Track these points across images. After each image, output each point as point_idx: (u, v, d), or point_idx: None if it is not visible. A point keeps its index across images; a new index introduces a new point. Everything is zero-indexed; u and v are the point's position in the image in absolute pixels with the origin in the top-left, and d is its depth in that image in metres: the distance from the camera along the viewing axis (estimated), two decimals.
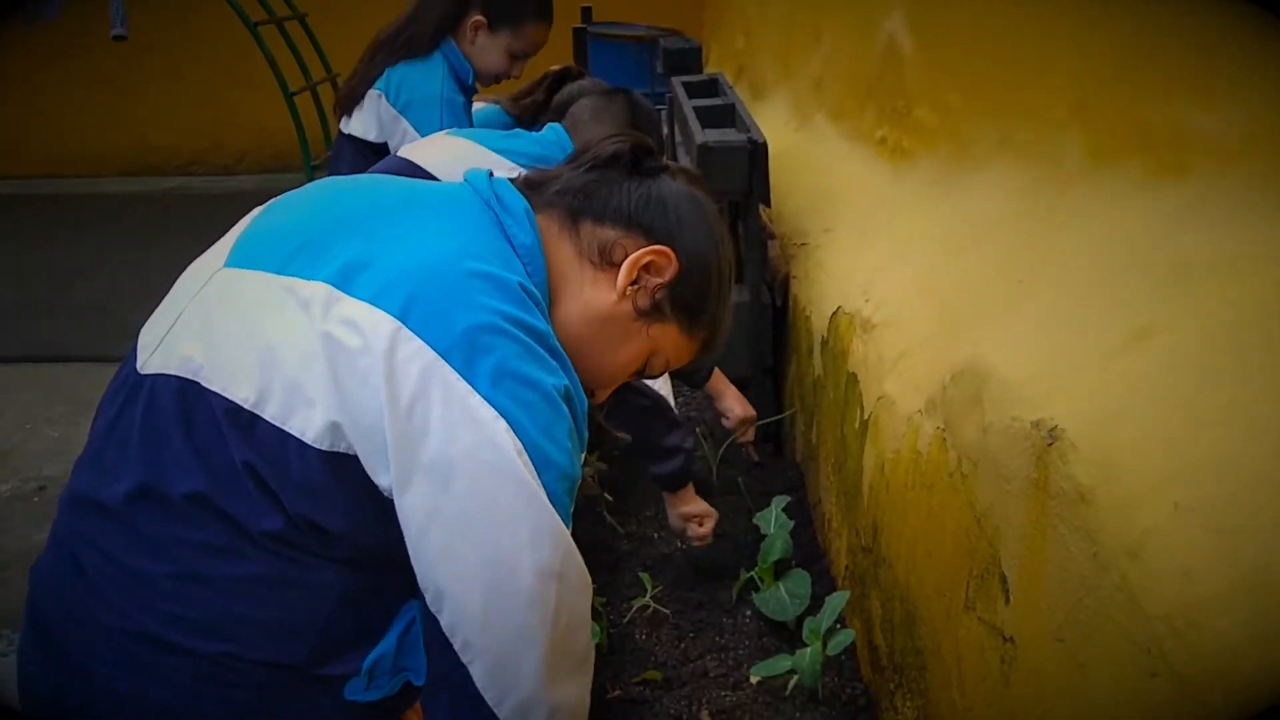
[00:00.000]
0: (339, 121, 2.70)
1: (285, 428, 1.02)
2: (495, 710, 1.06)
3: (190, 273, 1.18)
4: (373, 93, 2.59)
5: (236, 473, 1.03)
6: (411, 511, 1.02)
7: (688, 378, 2.67)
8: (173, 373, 1.07)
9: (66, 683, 1.09)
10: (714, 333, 1.33)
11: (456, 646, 1.05)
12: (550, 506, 1.04)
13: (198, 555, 1.05)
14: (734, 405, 2.64)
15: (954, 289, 1.91)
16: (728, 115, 3.06)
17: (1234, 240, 1.26)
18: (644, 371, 1.32)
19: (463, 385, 1.00)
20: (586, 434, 1.16)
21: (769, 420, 2.87)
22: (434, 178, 2.29)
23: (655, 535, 2.57)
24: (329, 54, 5.34)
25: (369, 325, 1.01)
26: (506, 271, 1.09)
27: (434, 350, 1.01)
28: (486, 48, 2.62)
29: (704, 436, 2.90)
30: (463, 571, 1.03)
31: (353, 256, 1.06)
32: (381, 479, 1.03)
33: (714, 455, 2.79)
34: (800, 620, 2.10)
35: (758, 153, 2.70)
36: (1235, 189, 1.32)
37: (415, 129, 2.56)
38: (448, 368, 1.00)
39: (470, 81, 2.66)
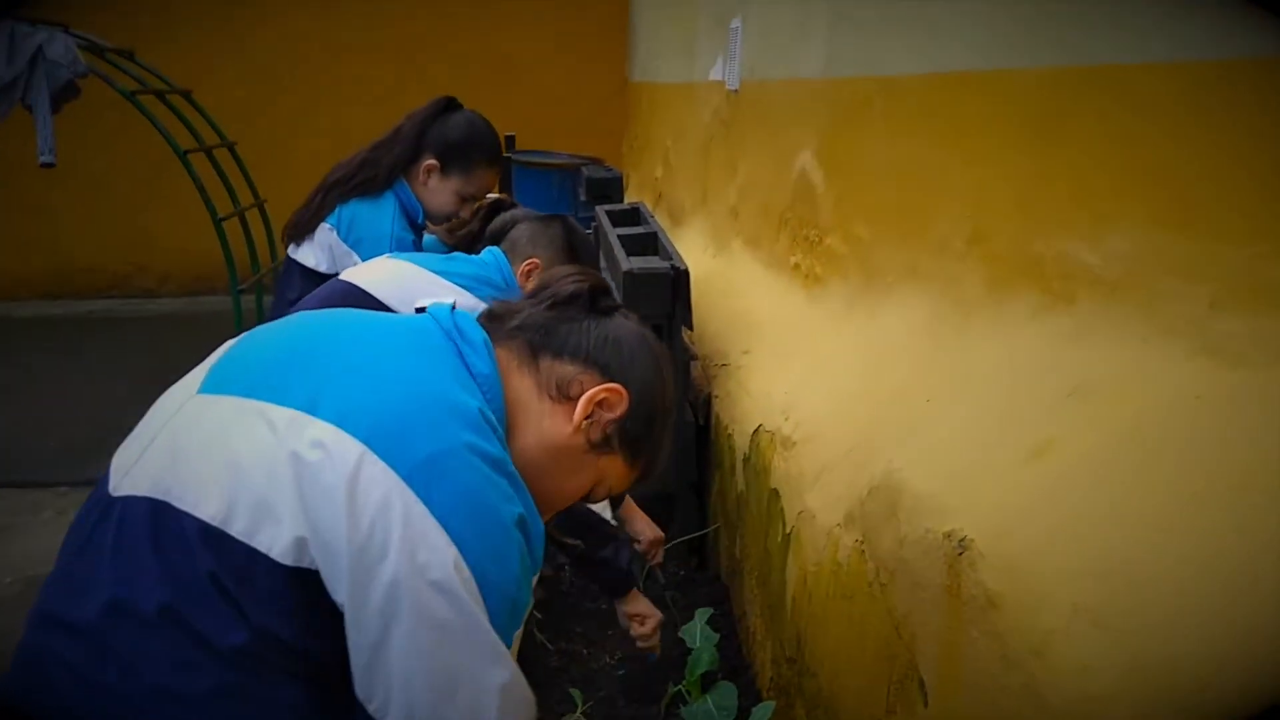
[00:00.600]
0: (286, 248, 2.77)
1: (252, 544, 1.06)
2: None
3: (164, 400, 1.23)
4: (324, 226, 2.67)
5: (202, 585, 1.06)
6: (364, 627, 1.06)
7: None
8: (143, 494, 1.11)
9: None
10: (652, 464, 1.43)
11: None
12: (488, 628, 1.09)
13: (167, 672, 1.07)
14: (644, 529, 2.71)
15: (868, 407, 2.02)
16: (651, 243, 3.20)
17: (1119, 362, 1.39)
18: (588, 498, 1.40)
19: (420, 508, 1.06)
20: (541, 557, 1.22)
21: (694, 535, 2.94)
22: (377, 299, 2.37)
23: (584, 651, 2.60)
24: (256, 180, 5.42)
25: (335, 446, 1.07)
26: (467, 397, 1.16)
27: (396, 474, 1.07)
28: (437, 190, 2.73)
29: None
30: (407, 686, 1.07)
31: (321, 383, 1.13)
32: (339, 595, 1.07)
33: (640, 571, 2.84)
34: None
35: (680, 279, 2.82)
36: (1118, 316, 1.45)
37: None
38: (409, 492, 1.06)
39: (420, 220, 2.77)
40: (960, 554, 1.29)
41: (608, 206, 3.79)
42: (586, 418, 1.29)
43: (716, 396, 2.91)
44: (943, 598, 1.34)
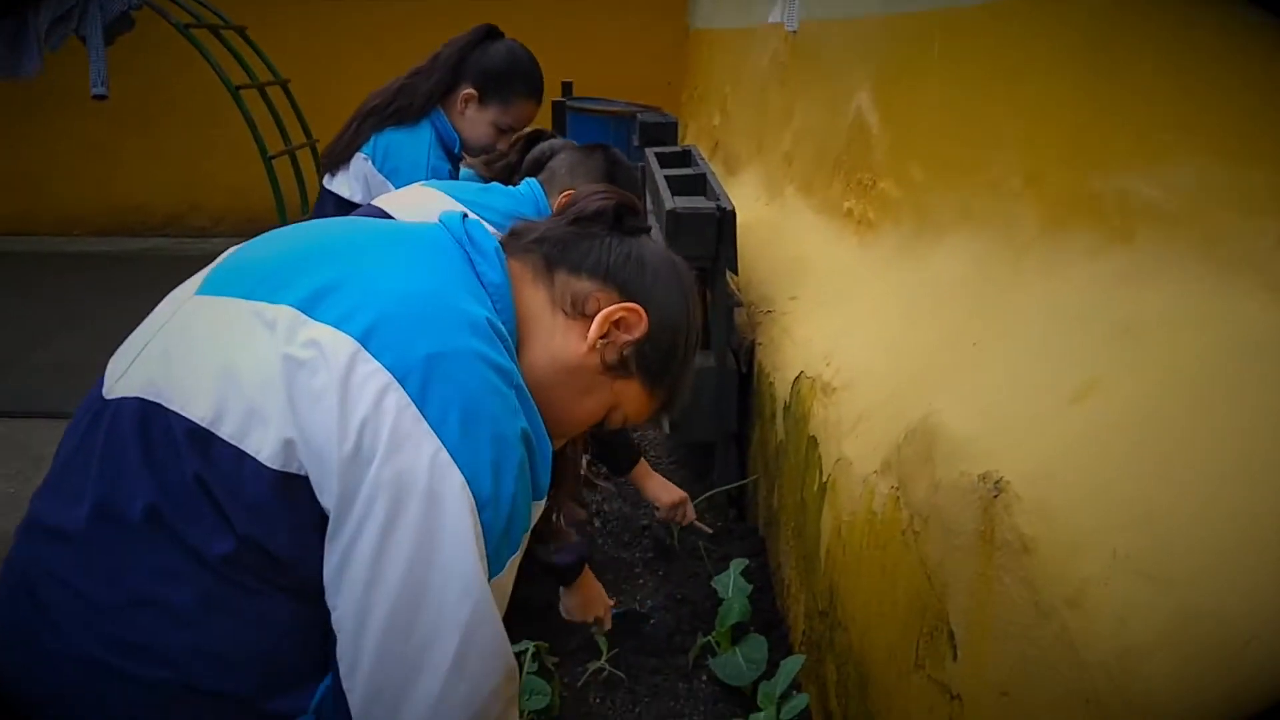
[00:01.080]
0: (321, 179, 2.73)
1: (241, 446, 1.01)
2: None
3: (162, 305, 1.18)
4: (359, 156, 2.61)
5: (189, 489, 1.02)
6: (341, 529, 1.00)
7: (612, 465, 2.67)
8: (134, 394, 1.06)
9: (13, 713, 1.06)
10: (673, 395, 1.34)
11: (343, 672, 1.03)
12: (474, 551, 1.02)
13: (151, 580, 1.03)
14: (659, 493, 2.64)
15: (912, 353, 1.93)
16: (699, 184, 3.10)
17: (1175, 301, 1.29)
18: (603, 424, 1.32)
19: (413, 411, 1.00)
20: (547, 481, 1.15)
21: (732, 485, 2.87)
22: None
23: (614, 598, 2.55)
24: (309, 120, 5.40)
25: (329, 346, 1.01)
26: (475, 306, 1.09)
27: (390, 374, 1.00)
28: (475, 120, 2.66)
29: None
30: (366, 594, 1.00)
31: (321, 284, 1.07)
32: (326, 500, 1.01)
33: (671, 533, 2.79)
34: (756, 686, 2.08)
35: (726, 220, 2.74)
36: (1176, 253, 1.35)
37: None
38: (402, 392, 1.00)
39: (457, 150, 2.70)
40: (995, 497, 1.21)
41: (658, 149, 3.70)
42: (602, 337, 1.21)
43: (760, 344, 2.83)
44: (976, 543, 1.26)
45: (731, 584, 2.34)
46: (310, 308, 1.05)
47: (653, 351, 1.25)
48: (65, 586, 1.05)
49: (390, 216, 2.38)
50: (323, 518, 1.02)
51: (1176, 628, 0.89)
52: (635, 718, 2.12)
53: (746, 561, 2.42)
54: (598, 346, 1.21)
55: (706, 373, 2.83)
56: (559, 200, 2.52)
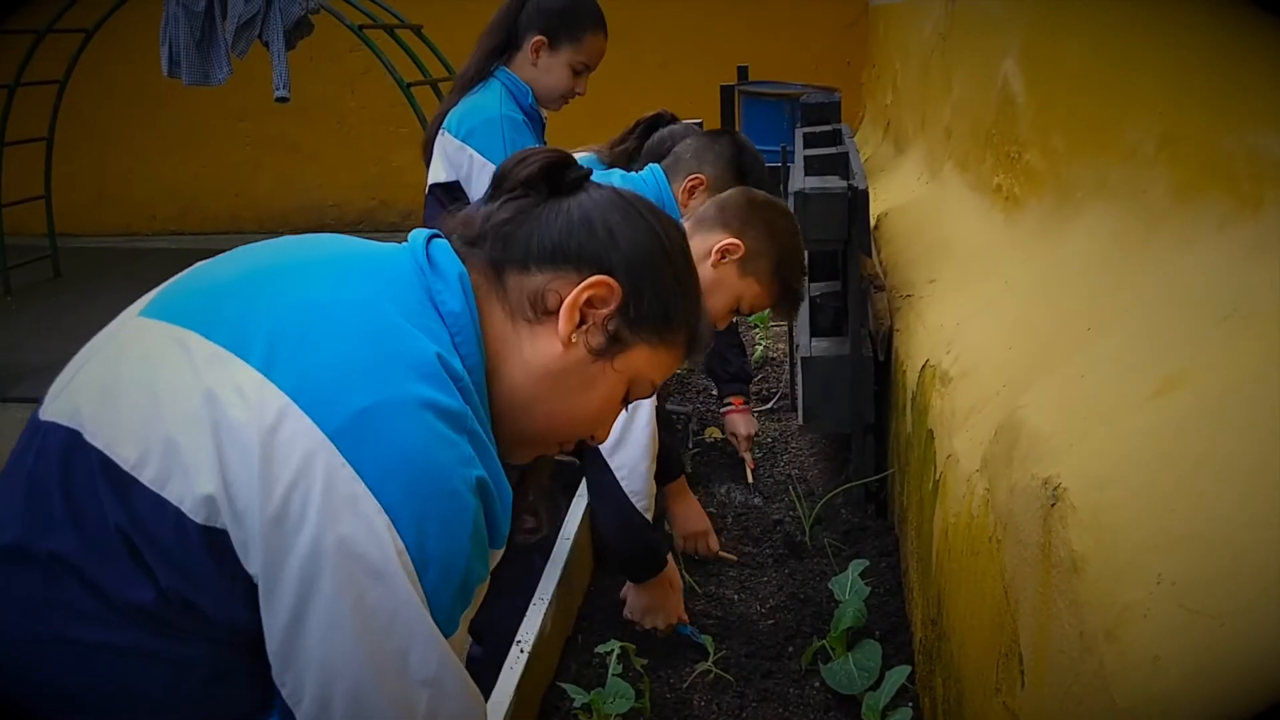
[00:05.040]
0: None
1: (163, 494, 0.95)
2: None
3: (112, 323, 1.12)
4: (440, 133, 2.62)
5: (109, 537, 0.96)
6: (278, 605, 0.93)
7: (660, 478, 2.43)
8: (62, 422, 1.01)
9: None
10: (692, 330, 1.20)
11: None
12: (422, 611, 0.94)
13: (67, 620, 0.97)
14: (682, 518, 2.51)
15: (1031, 338, 1.75)
16: (840, 164, 2.95)
17: None
18: (628, 400, 1.21)
19: (346, 471, 0.92)
20: (507, 529, 1.05)
21: (868, 480, 2.71)
22: None
23: (735, 597, 2.44)
24: None
25: (256, 396, 0.94)
26: (428, 343, 1.00)
27: (321, 431, 0.93)
28: (550, 67, 2.63)
29: (798, 497, 2.76)
30: (324, 671, 0.94)
31: (256, 319, 1.00)
32: (250, 565, 0.94)
33: (807, 516, 2.66)
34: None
35: (858, 200, 2.58)
36: None
37: (480, 153, 2.56)
38: (335, 452, 0.92)
39: (529, 102, 2.67)
40: (1053, 506, 1.06)
41: (808, 129, 3.55)
42: (579, 324, 1.10)
43: (898, 330, 2.66)
44: (1039, 558, 1.11)
45: (849, 586, 2.20)
46: (240, 345, 0.98)
47: (642, 306, 1.13)
48: None
49: None
50: (251, 581, 0.95)
51: (1203, 674, 0.73)
52: None
53: (866, 563, 2.27)
54: (576, 339, 1.10)
55: (841, 361, 2.69)
56: (685, 184, 2.43)
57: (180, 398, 0.96)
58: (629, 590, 2.25)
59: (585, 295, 1.09)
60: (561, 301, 1.09)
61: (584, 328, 1.11)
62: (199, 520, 0.94)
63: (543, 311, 1.10)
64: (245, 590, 0.95)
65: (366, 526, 0.91)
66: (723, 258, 2.05)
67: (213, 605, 0.97)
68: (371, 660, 0.93)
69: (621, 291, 1.11)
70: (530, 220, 1.13)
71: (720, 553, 2.56)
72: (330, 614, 0.92)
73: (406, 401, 0.95)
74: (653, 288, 1.13)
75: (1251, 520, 0.81)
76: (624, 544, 2.20)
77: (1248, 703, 0.68)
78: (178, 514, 0.94)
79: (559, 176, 1.16)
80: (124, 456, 0.96)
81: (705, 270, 2.05)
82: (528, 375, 1.10)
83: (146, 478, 0.95)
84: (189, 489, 0.94)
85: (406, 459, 0.93)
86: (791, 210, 2.30)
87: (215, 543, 0.94)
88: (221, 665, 1.00)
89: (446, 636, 0.96)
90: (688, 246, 1.21)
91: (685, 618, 2.26)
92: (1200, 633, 0.76)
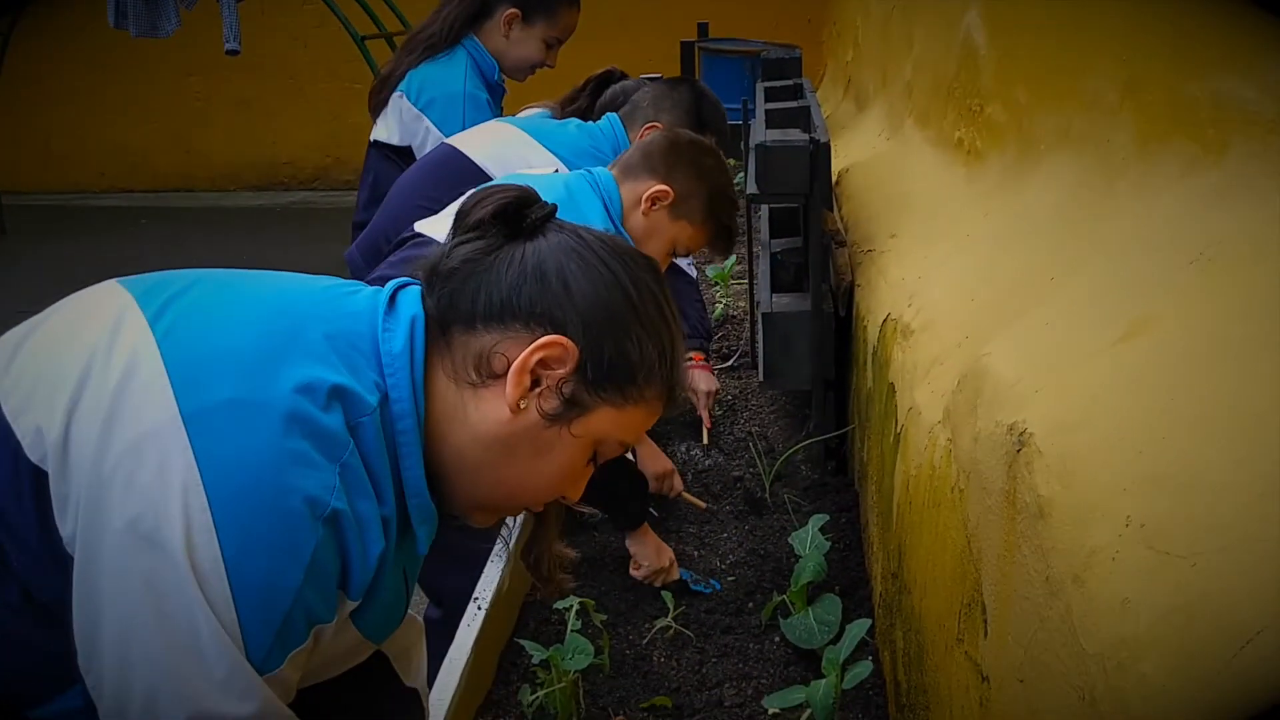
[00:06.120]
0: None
1: (13, 425, 0.91)
2: None
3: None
4: (395, 95, 2.55)
5: None
6: (85, 581, 0.88)
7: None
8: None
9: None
10: (669, 382, 1.11)
11: None
12: (227, 644, 0.87)
13: None
14: (645, 460, 2.47)
15: (992, 290, 1.74)
16: (799, 117, 2.91)
17: (1257, 223, 1.08)
18: (597, 461, 1.13)
19: (186, 458, 0.87)
20: (366, 579, 0.97)
21: (829, 436, 2.70)
22: (474, 162, 2.23)
23: (695, 554, 2.43)
24: None
25: (136, 356, 0.91)
26: (330, 371, 0.95)
27: (179, 410, 0.88)
28: (522, 40, 2.57)
29: (758, 453, 2.75)
30: (120, 674, 0.88)
31: (175, 283, 0.98)
32: (65, 527, 0.89)
33: (767, 473, 2.65)
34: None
35: (820, 153, 2.55)
36: (1270, 168, 1.13)
37: (437, 127, 2.51)
38: (182, 433, 0.87)
39: (495, 77, 2.61)
40: (1019, 451, 1.04)
41: (769, 84, 3.51)
42: (532, 386, 1.02)
43: (859, 285, 2.64)
44: (1003, 505, 1.09)
45: (809, 541, 2.18)
46: (165, 338, 0.93)
47: (602, 365, 1.04)
48: None
49: (466, 157, 2.31)
50: (61, 548, 0.89)
51: (1182, 613, 0.72)
52: (699, 679, 2.00)
53: (826, 517, 2.26)
54: (525, 404, 1.02)
55: (802, 317, 2.67)
56: (640, 132, 2.39)
57: (79, 346, 0.93)
58: (631, 545, 2.23)
59: (536, 357, 1.02)
60: (509, 365, 1.02)
61: (537, 391, 1.03)
62: (33, 459, 0.89)
63: (488, 375, 1.03)
64: (52, 554, 0.90)
65: (179, 527, 0.85)
66: (653, 205, 2.02)
67: (18, 557, 0.91)
68: (174, 672, 0.87)
69: (578, 351, 1.03)
70: (480, 272, 1.05)
71: (689, 496, 2.55)
72: (129, 616, 0.87)
73: (274, 408, 0.90)
74: (615, 345, 1.04)
75: (1220, 460, 0.80)
76: (621, 487, 2.18)
77: (1220, 643, 0.67)
78: (17, 448, 0.90)
79: (518, 218, 1.08)
80: (6, 390, 0.93)
81: (636, 219, 2.04)
82: (474, 440, 1.04)
83: (8, 407, 0.92)
84: (33, 424, 0.90)
85: (251, 464, 0.88)
86: (721, 152, 2.25)
87: (43, 489, 0.89)
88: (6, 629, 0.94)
89: (260, 670, 0.89)
90: (663, 287, 1.11)
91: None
92: (1171, 574, 0.75)
